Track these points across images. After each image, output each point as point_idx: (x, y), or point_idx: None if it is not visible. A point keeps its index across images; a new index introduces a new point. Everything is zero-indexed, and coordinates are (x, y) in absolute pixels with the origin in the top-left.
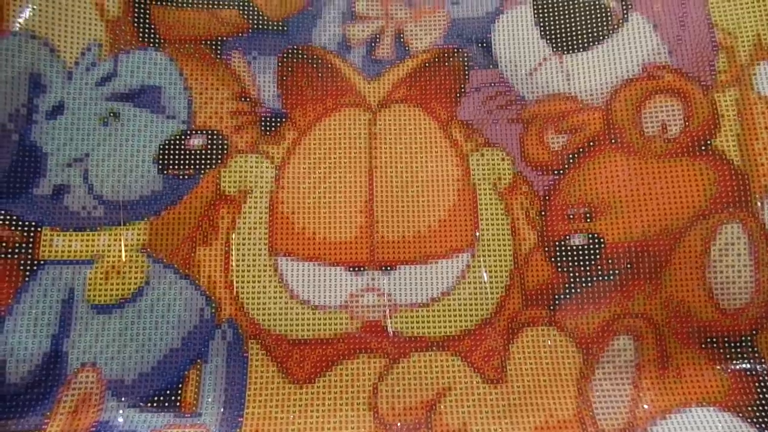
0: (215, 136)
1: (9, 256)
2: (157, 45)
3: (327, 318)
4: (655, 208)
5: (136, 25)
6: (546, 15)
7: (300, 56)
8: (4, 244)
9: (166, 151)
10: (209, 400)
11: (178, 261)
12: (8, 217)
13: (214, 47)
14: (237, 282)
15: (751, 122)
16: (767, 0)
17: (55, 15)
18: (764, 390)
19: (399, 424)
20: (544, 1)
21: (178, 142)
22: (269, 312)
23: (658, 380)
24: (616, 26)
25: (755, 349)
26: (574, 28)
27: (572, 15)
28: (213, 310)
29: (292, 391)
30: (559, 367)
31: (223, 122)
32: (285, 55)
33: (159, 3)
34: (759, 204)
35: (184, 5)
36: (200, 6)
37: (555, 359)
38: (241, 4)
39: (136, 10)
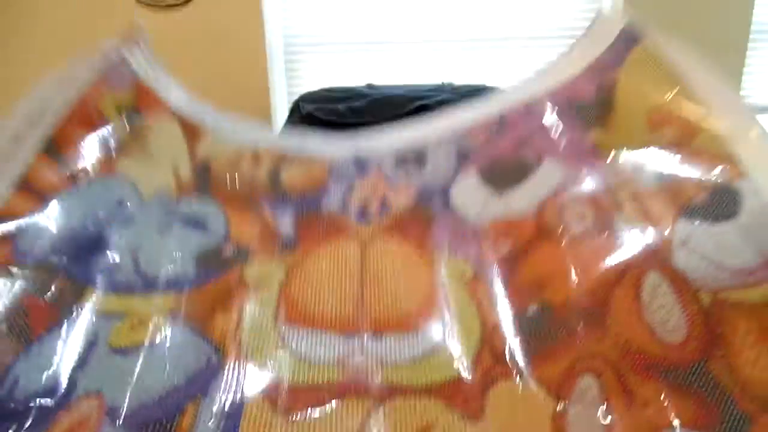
0: (243, 248)
1: (57, 300)
2: (209, 196)
3: (320, 370)
4: (588, 275)
5: (198, 186)
6: (488, 178)
7: (312, 212)
8: (58, 290)
9: (205, 256)
10: (204, 428)
11: (197, 322)
12: (68, 274)
13: (250, 202)
14: (244, 338)
15: (645, 203)
16: None
17: (144, 171)
18: (728, 411)
19: None
20: (487, 172)
21: (214, 249)
22: (269, 361)
23: (627, 411)
24: (536, 168)
25: (710, 375)
26: (508, 179)
27: (506, 173)
28: (219, 358)
29: (282, 421)
30: (534, 408)
31: (251, 241)
32: (300, 211)
33: (216, 179)
34: (667, 257)
35: (235, 187)
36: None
37: (529, 402)
38: (272, 181)
39: (200, 179)
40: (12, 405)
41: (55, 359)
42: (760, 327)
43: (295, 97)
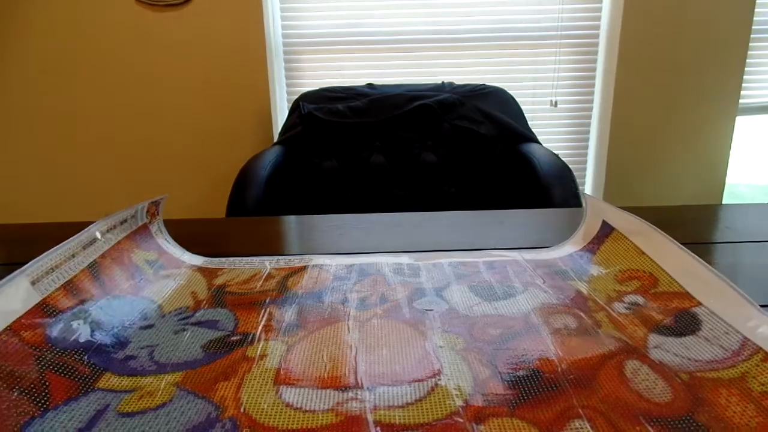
0: (249, 335)
1: (75, 379)
2: (222, 306)
3: (314, 416)
4: (574, 361)
5: (214, 301)
6: (477, 292)
7: (314, 304)
8: (76, 373)
9: (212, 343)
10: None
11: (201, 390)
12: (89, 363)
13: (259, 304)
14: (243, 398)
15: (620, 323)
16: None
17: (166, 297)
18: None
19: None
20: (477, 287)
21: (221, 338)
22: (266, 414)
23: None
24: (522, 292)
25: (699, 423)
26: (497, 296)
27: (495, 292)
28: (218, 414)
29: None
30: None
31: (257, 330)
32: (303, 304)
33: (230, 294)
34: (644, 353)
35: (247, 297)
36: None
37: None
38: (280, 289)
39: (216, 296)
40: None
41: (67, 424)
42: (741, 392)
43: (295, 96)
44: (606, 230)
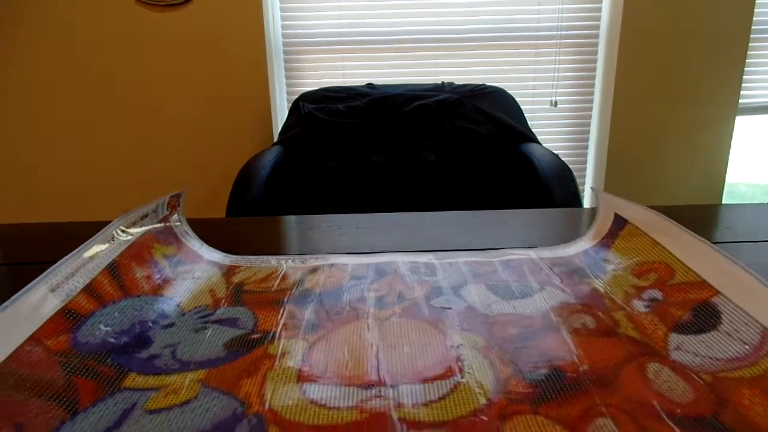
0: (270, 333)
1: (101, 381)
2: (241, 305)
3: (339, 413)
4: (595, 361)
5: (232, 299)
6: (495, 291)
7: (333, 303)
8: (102, 375)
9: (234, 341)
10: None
11: (226, 387)
12: (113, 364)
13: (277, 303)
14: (267, 394)
15: (639, 322)
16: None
17: (185, 295)
18: None
19: None
20: (494, 286)
21: (244, 337)
22: (291, 410)
23: None
24: (540, 291)
25: (724, 425)
26: (514, 295)
27: (512, 291)
28: (244, 410)
29: None
30: None
31: (277, 328)
32: (322, 303)
33: (248, 292)
34: (665, 355)
35: (265, 296)
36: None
37: (547, 430)
38: (297, 287)
39: (234, 295)
40: None
41: (96, 425)
42: (764, 392)
43: (295, 96)
44: (619, 224)
